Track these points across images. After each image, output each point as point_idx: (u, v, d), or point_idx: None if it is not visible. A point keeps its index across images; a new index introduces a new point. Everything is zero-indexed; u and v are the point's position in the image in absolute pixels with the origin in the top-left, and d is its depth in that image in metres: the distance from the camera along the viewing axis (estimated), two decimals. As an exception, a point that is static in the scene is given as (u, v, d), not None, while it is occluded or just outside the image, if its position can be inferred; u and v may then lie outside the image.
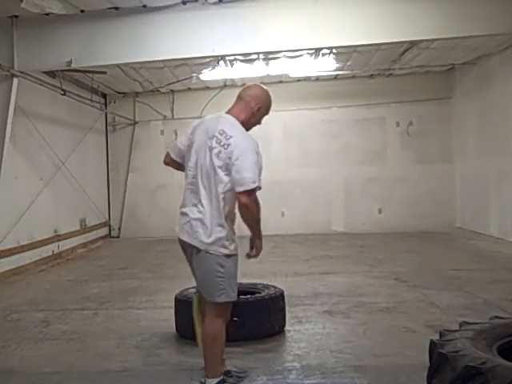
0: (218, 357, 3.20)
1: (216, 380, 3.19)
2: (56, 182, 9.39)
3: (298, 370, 3.66)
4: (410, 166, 11.77)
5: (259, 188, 3.01)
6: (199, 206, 3.08)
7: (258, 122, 3.32)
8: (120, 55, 6.98)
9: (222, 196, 3.05)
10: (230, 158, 3.00)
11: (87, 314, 5.39)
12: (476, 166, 10.64)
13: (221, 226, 3.06)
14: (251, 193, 2.98)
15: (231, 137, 3.05)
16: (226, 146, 3.03)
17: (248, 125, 3.24)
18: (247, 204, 2.98)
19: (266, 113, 3.32)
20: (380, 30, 6.65)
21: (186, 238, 3.14)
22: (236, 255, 3.13)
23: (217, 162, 3.04)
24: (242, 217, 3.07)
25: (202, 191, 3.08)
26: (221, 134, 3.07)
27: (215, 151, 3.05)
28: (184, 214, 3.17)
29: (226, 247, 3.06)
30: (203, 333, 3.22)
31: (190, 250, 3.16)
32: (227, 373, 3.38)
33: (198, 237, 3.05)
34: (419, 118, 11.76)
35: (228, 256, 3.08)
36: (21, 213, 8.03)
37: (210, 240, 3.03)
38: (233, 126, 3.14)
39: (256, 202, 3.03)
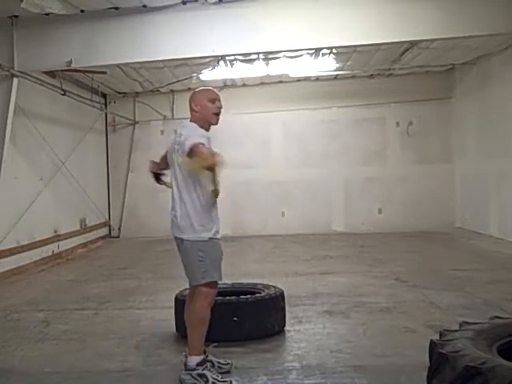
0: (203, 337, 3.47)
1: (200, 358, 3.43)
2: (56, 182, 9.39)
3: (297, 370, 3.66)
4: (410, 166, 11.77)
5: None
6: (180, 203, 3.50)
7: (214, 113, 3.55)
8: (120, 55, 6.98)
9: (194, 192, 3.45)
10: (182, 146, 3.37)
11: (87, 314, 5.39)
12: (476, 166, 10.64)
13: (199, 216, 3.44)
14: (196, 146, 3.29)
15: (182, 134, 3.46)
16: (179, 142, 3.45)
17: (205, 122, 3.54)
18: (193, 149, 3.28)
19: (210, 101, 3.55)
20: (380, 30, 6.65)
21: (175, 233, 3.55)
22: (214, 240, 3.48)
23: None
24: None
25: (177, 191, 3.53)
26: (179, 137, 3.49)
27: (177, 151, 3.49)
28: (173, 212, 3.58)
29: (203, 234, 3.43)
30: (191, 316, 3.50)
31: (178, 243, 3.55)
32: (208, 361, 3.53)
33: (183, 229, 3.47)
34: (419, 117, 11.76)
35: (206, 241, 3.44)
36: (21, 213, 8.03)
37: (190, 230, 3.44)
38: (186, 126, 3.55)
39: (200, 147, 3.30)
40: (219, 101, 3.58)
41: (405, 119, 11.81)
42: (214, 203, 3.50)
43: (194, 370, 3.39)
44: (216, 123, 3.58)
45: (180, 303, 4.44)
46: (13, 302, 6.01)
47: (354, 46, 8.26)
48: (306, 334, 4.47)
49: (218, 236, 3.52)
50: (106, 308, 5.64)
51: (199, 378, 3.36)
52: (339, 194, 11.91)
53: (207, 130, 3.54)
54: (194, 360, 3.41)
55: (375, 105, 11.77)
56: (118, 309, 5.59)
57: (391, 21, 6.60)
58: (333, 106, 11.89)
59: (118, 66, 8.76)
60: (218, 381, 3.37)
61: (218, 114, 3.56)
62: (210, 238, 3.45)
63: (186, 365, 3.44)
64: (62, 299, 6.13)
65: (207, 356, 3.53)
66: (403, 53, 9.44)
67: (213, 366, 3.53)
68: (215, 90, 3.69)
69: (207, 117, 3.54)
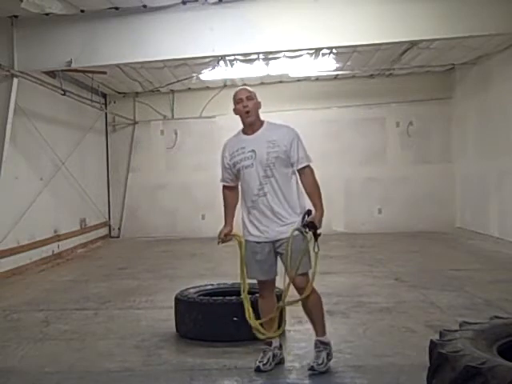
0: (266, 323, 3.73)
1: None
2: (56, 182, 9.39)
3: (297, 369, 3.67)
4: (409, 166, 11.77)
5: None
6: None
7: (243, 112, 3.64)
8: (120, 55, 6.99)
9: None
10: None
11: (87, 314, 5.39)
12: (476, 165, 10.63)
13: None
14: None
15: None
16: None
17: (243, 123, 3.73)
18: None
19: (237, 103, 3.66)
20: (380, 30, 6.65)
21: None
22: (246, 241, 3.70)
23: None
24: None
25: None
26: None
27: None
28: None
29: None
30: None
31: None
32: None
33: None
34: (419, 117, 11.76)
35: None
36: (21, 213, 8.03)
37: None
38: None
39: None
40: (245, 98, 3.60)
41: (405, 119, 11.81)
42: (248, 208, 3.68)
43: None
44: (247, 122, 3.64)
45: (180, 303, 4.45)
46: (13, 302, 6.01)
47: (353, 46, 8.26)
48: (306, 334, 4.44)
49: (250, 238, 3.68)
50: (106, 308, 5.64)
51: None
52: (339, 194, 11.89)
53: (247, 128, 3.67)
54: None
55: (375, 105, 11.76)
56: (118, 309, 5.58)
57: (391, 21, 6.60)
58: (333, 106, 11.89)
59: (117, 66, 8.76)
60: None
61: (245, 112, 3.60)
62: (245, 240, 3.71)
63: None
64: (62, 299, 6.12)
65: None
66: (403, 53, 9.44)
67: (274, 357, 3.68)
68: (243, 88, 3.75)
69: (241, 118, 3.67)
